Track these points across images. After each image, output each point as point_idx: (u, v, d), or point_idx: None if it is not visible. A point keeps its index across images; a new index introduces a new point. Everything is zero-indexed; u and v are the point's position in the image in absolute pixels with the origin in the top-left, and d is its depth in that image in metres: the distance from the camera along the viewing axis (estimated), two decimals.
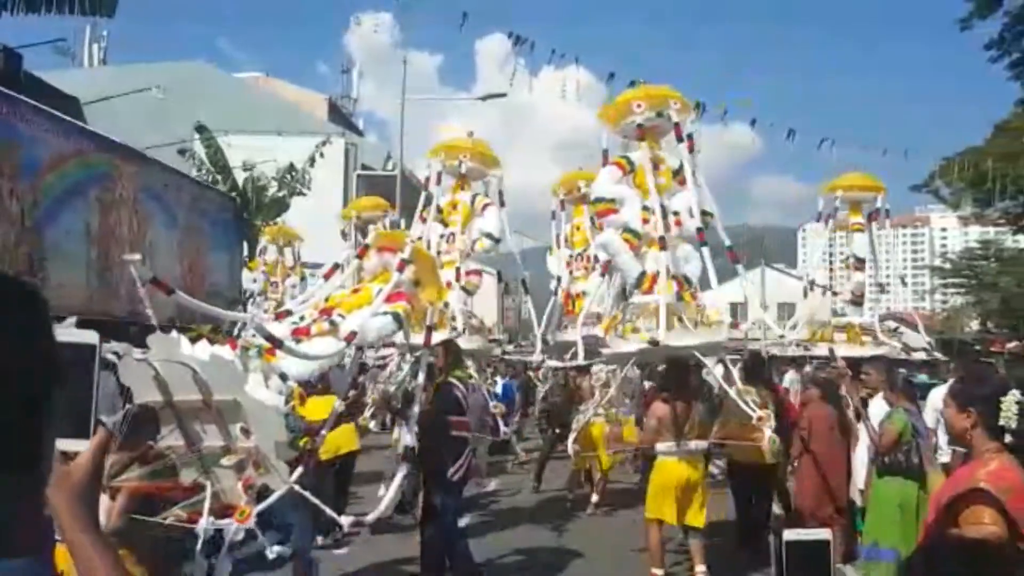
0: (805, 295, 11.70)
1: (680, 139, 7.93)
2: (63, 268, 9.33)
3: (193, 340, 4.56)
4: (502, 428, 9.88)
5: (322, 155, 22.17)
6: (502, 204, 10.20)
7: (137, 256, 4.34)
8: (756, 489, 8.81)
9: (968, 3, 23.04)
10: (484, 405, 9.85)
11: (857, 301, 10.99)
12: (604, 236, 7.85)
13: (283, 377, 4.62)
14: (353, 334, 5.08)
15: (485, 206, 9.88)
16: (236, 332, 4.96)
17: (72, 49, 33.49)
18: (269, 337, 4.46)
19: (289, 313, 5.60)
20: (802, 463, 7.90)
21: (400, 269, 5.68)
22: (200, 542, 4.21)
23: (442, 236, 9.84)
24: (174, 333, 4.27)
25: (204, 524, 4.21)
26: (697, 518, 7.32)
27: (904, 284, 12.73)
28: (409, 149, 25.54)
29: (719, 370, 7.75)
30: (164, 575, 4.69)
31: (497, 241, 9.85)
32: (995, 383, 3.11)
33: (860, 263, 11.22)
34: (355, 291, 5.80)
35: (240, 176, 21.73)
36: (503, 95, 24.19)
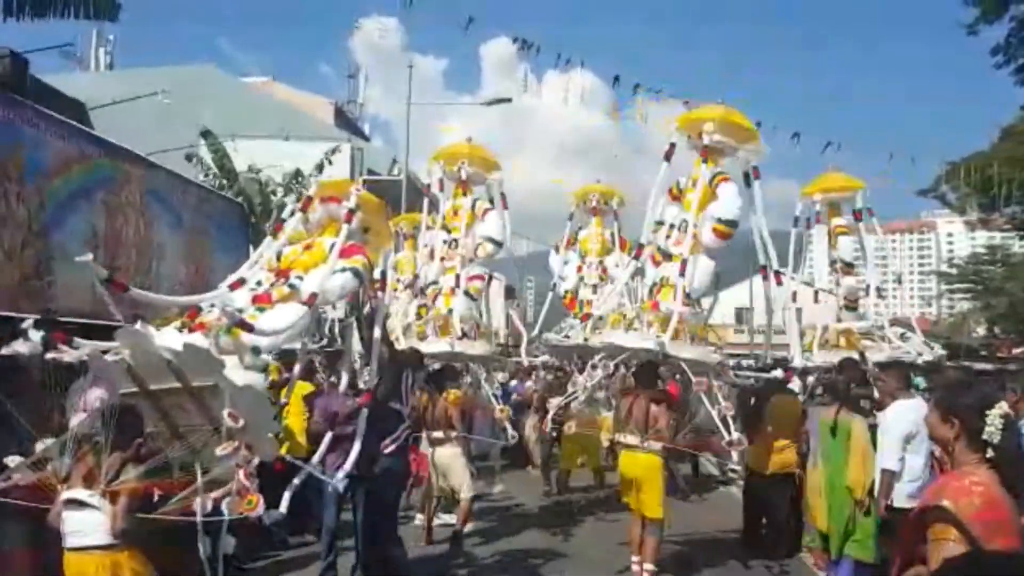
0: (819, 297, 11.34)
1: (756, 178, 8.46)
2: (70, 271, 9.35)
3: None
4: (509, 432, 9.88)
5: (330, 162, 22.21)
6: (505, 207, 10.24)
7: (89, 256, 4.34)
8: (770, 499, 8.82)
9: (974, 8, 22.97)
10: (491, 412, 9.89)
11: (851, 306, 10.72)
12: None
13: (256, 351, 4.61)
14: (314, 296, 5.05)
15: (486, 211, 9.91)
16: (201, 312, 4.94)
17: (79, 54, 33.66)
18: (241, 323, 4.46)
19: (243, 281, 5.50)
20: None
21: (348, 220, 5.66)
22: (199, 521, 4.23)
23: (445, 242, 9.87)
24: (139, 324, 4.27)
25: (200, 503, 4.23)
26: (654, 511, 7.68)
27: (899, 283, 12.19)
28: (414, 153, 25.49)
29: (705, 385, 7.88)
30: (177, 566, 4.73)
31: (499, 245, 9.88)
32: (980, 394, 3.04)
33: (848, 267, 11.01)
34: (307, 247, 5.70)
35: (247, 180, 21.75)
36: (508, 100, 24.22)
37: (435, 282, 9.76)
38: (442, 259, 9.82)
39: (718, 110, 8.50)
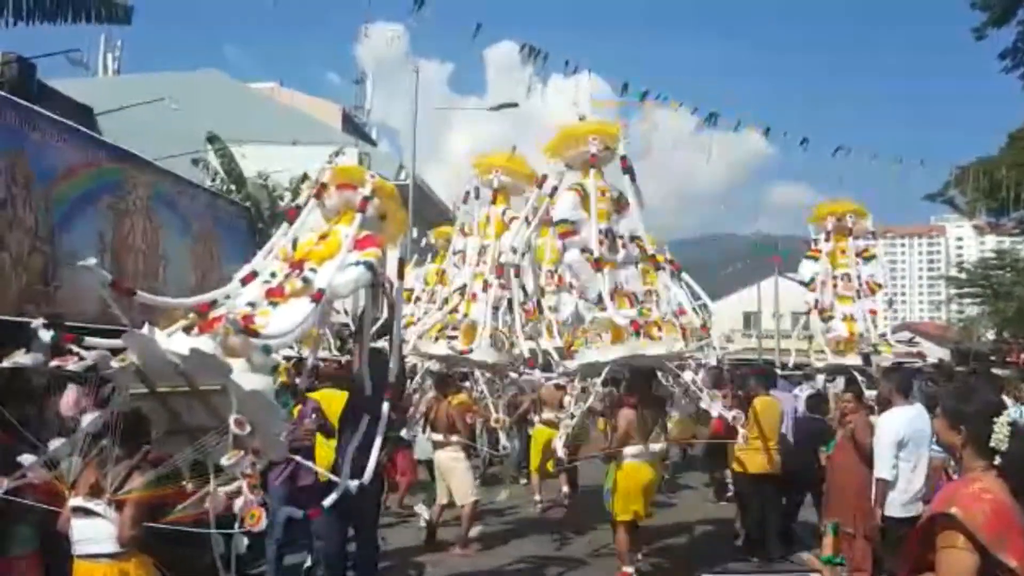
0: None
1: (625, 171, 8.50)
2: (76, 276, 9.37)
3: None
4: (502, 441, 9.78)
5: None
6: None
7: (93, 260, 4.34)
8: (765, 498, 8.92)
9: (983, 12, 22.95)
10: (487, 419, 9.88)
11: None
12: (570, 255, 8.23)
13: (266, 350, 4.59)
14: (321, 292, 4.99)
15: (512, 219, 9.96)
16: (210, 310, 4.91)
17: (86, 59, 33.70)
18: (246, 330, 4.44)
19: (255, 274, 5.42)
20: (843, 475, 7.58)
21: (362, 208, 5.59)
22: (212, 519, 4.22)
23: (475, 249, 9.95)
24: (146, 328, 4.25)
25: (212, 500, 4.22)
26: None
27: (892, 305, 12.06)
28: (421, 158, 25.55)
29: (687, 376, 8.21)
30: (186, 574, 4.72)
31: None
32: (986, 401, 3.04)
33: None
34: (323, 237, 5.62)
35: (255, 186, 21.78)
36: (515, 105, 24.18)
37: (462, 287, 9.79)
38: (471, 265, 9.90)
39: (589, 126, 8.80)
